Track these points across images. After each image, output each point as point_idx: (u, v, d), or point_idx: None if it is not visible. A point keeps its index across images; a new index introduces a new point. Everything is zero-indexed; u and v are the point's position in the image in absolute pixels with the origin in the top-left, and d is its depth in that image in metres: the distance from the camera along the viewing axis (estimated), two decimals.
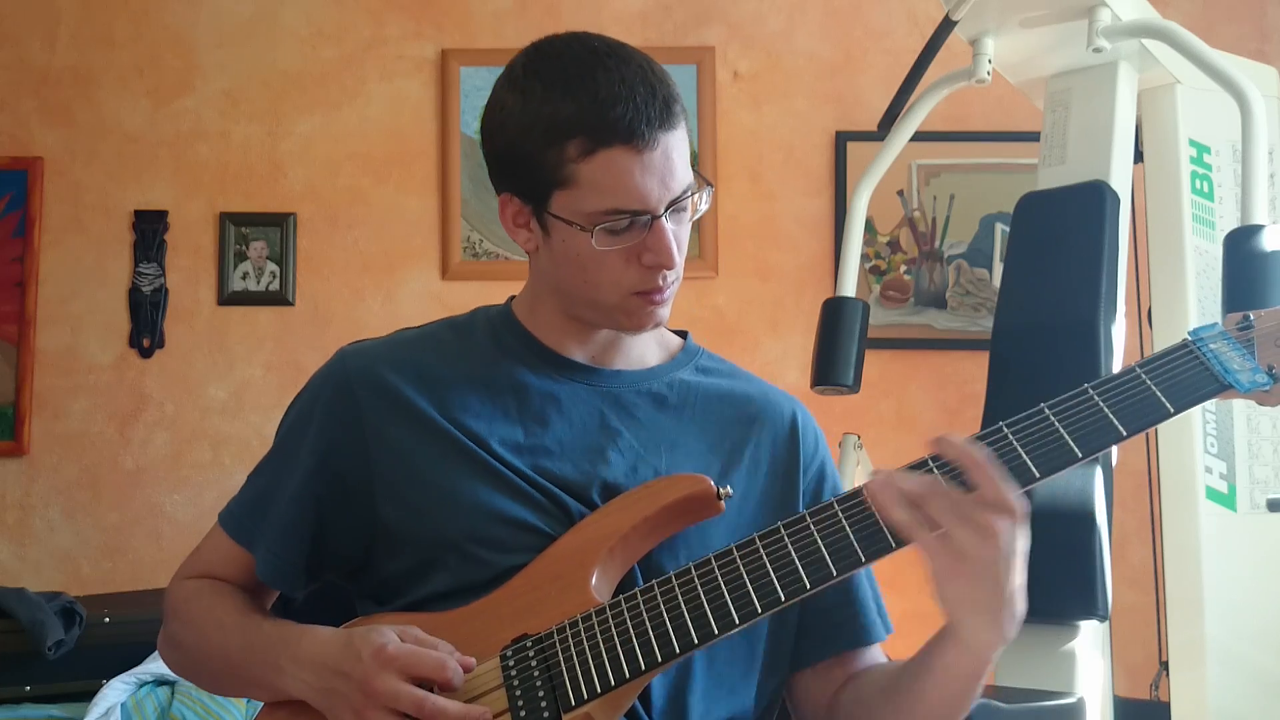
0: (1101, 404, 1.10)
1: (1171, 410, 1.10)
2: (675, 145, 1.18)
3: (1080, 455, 1.09)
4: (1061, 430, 1.09)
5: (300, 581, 1.29)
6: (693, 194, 1.21)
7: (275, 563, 1.27)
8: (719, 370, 1.37)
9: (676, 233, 1.20)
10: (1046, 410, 1.11)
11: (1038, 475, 1.08)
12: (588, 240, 1.18)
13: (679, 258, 1.21)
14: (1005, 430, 1.10)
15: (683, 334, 1.39)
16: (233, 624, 1.25)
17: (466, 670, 1.12)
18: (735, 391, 1.35)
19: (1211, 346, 1.13)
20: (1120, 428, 1.09)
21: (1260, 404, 1.14)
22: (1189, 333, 1.15)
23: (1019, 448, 1.09)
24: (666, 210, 1.18)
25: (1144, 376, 1.11)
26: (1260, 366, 1.12)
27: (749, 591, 1.10)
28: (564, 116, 1.16)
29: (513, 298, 1.36)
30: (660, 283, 1.21)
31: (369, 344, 1.33)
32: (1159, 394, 1.10)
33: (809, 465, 1.34)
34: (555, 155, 1.17)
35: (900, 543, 1.08)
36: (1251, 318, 1.14)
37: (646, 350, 1.33)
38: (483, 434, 1.24)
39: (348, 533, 1.26)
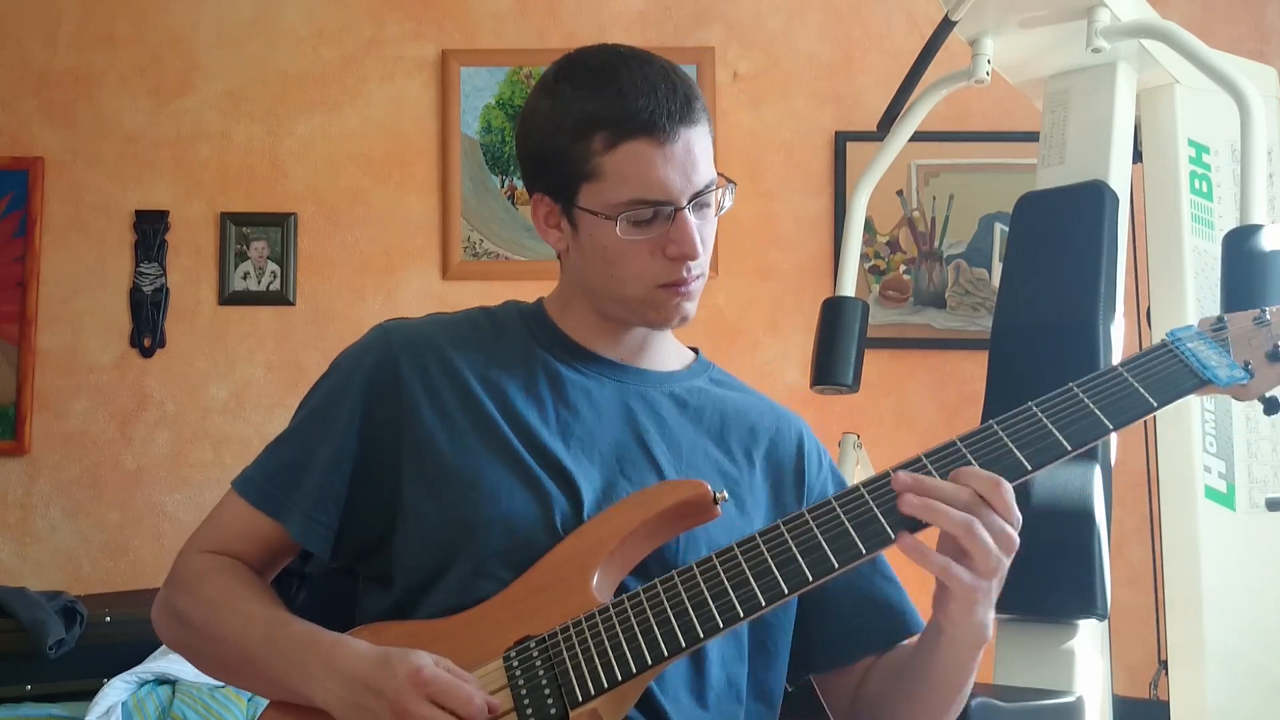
0: (1087, 400, 1.16)
1: (1154, 404, 1.16)
2: (697, 140, 1.23)
3: (1070, 448, 1.14)
4: (1050, 426, 1.15)
5: (330, 550, 1.28)
6: (716, 190, 1.25)
7: (315, 527, 1.26)
8: (730, 384, 1.41)
9: (700, 227, 1.24)
10: (1034, 408, 1.17)
11: (1029, 468, 1.14)
12: (613, 231, 1.22)
13: (703, 251, 1.24)
14: (996, 427, 1.16)
15: (694, 350, 1.43)
16: (255, 615, 1.22)
17: (493, 711, 1.10)
18: (746, 405, 1.38)
19: (1189, 345, 1.20)
20: (1106, 421, 1.15)
21: (1236, 398, 1.20)
22: (1166, 334, 1.22)
23: (1010, 443, 1.15)
24: (689, 203, 1.22)
25: (1126, 374, 1.18)
26: (1236, 363, 1.18)
27: (752, 586, 1.12)
28: (590, 112, 1.22)
29: (542, 299, 1.38)
30: (685, 274, 1.24)
31: (411, 320, 1.35)
32: (1141, 389, 1.17)
33: (813, 484, 1.37)
34: (582, 149, 1.22)
35: (897, 536, 1.12)
36: (1225, 319, 1.22)
37: (669, 356, 1.37)
38: (520, 412, 1.26)
39: (372, 509, 1.27)
